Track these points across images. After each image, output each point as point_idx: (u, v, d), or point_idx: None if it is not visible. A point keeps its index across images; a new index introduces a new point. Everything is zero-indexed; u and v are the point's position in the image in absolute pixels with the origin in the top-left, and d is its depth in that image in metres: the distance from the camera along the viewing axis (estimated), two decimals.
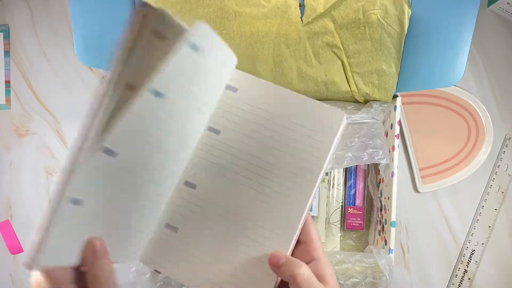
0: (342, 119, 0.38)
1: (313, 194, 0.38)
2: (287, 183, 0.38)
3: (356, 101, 0.60)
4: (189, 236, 0.39)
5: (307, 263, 0.37)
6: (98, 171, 0.32)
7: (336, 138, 0.38)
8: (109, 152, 0.32)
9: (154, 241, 0.40)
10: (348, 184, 0.65)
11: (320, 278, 0.36)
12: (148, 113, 0.33)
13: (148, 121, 0.33)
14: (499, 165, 0.67)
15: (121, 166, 0.33)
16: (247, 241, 0.38)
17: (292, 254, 0.38)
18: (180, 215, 0.40)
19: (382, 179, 0.62)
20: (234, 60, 0.40)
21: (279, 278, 0.37)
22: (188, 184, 0.40)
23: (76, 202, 0.31)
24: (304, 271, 0.35)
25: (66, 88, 0.68)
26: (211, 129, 0.40)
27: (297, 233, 0.38)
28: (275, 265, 0.36)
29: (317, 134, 0.38)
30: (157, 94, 0.33)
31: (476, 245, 0.66)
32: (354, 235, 0.65)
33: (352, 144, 0.59)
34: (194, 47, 0.33)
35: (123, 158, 0.33)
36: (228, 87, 0.40)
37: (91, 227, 0.34)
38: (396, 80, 0.57)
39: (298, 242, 0.38)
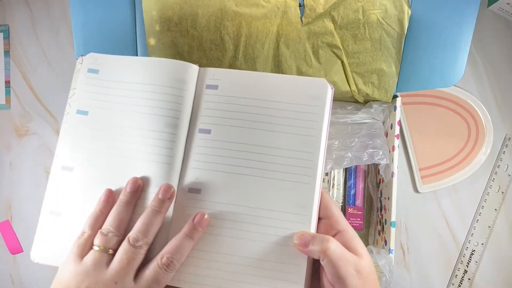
0: (326, 86, 0.39)
1: (319, 168, 0.38)
2: (290, 162, 0.38)
3: (356, 101, 0.60)
4: (204, 242, 0.39)
5: (333, 236, 0.36)
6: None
7: (327, 105, 0.39)
8: (67, 168, 0.42)
9: None
10: (348, 184, 0.65)
11: (350, 249, 0.36)
12: (78, 128, 0.42)
13: (81, 135, 0.42)
14: (499, 165, 0.67)
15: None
16: (266, 229, 0.38)
17: (316, 231, 0.38)
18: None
19: (382, 179, 0.62)
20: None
21: (310, 258, 0.37)
22: (192, 190, 0.40)
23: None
24: (332, 244, 0.35)
25: (66, 88, 0.68)
26: (201, 131, 0.40)
27: (315, 209, 0.38)
28: (303, 245, 0.36)
29: (306, 106, 0.39)
30: (81, 112, 0.42)
31: (476, 245, 0.66)
32: None
33: (352, 144, 0.59)
34: (93, 71, 0.43)
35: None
36: (208, 87, 0.41)
37: None
38: (396, 80, 0.57)
39: (319, 218, 0.38)
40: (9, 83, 0.69)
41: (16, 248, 0.67)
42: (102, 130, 0.41)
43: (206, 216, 0.38)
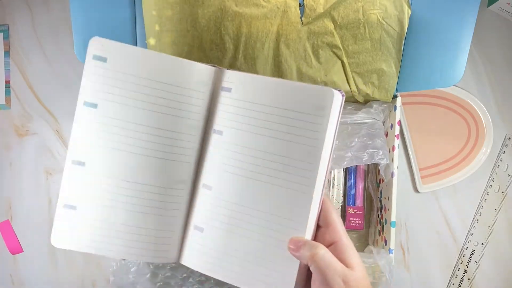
0: (332, 96, 0.38)
1: (319, 179, 0.38)
2: (291, 171, 0.39)
3: (356, 101, 0.60)
4: (213, 234, 0.41)
5: (328, 246, 0.37)
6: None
7: (330, 116, 0.38)
8: (79, 163, 0.41)
9: (184, 242, 0.43)
10: (348, 184, 0.65)
11: (342, 260, 0.36)
12: (88, 122, 0.40)
13: (92, 129, 0.40)
14: (499, 165, 0.67)
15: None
16: (266, 231, 0.39)
17: (314, 239, 0.39)
18: (204, 216, 0.42)
19: (382, 179, 0.62)
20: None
21: (302, 264, 0.38)
22: (205, 186, 0.42)
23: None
24: (321, 251, 0.36)
25: (66, 88, 0.68)
26: (214, 131, 0.42)
27: (312, 216, 0.39)
28: (295, 249, 0.37)
29: (311, 116, 0.39)
30: (90, 105, 0.40)
31: (476, 245, 0.66)
32: (354, 235, 0.65)
33: (352, 144, 0.59)
34: (100, 59, 0.40)
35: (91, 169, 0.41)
36: (222, 89, 0.42)
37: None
38: (396, 80, 0.57)
39: (318, 226, 0.39)
40: (9, 83, 0.68)
41: (16, 248, 0.67)
42: (114, 126, 0.40)
43: None
